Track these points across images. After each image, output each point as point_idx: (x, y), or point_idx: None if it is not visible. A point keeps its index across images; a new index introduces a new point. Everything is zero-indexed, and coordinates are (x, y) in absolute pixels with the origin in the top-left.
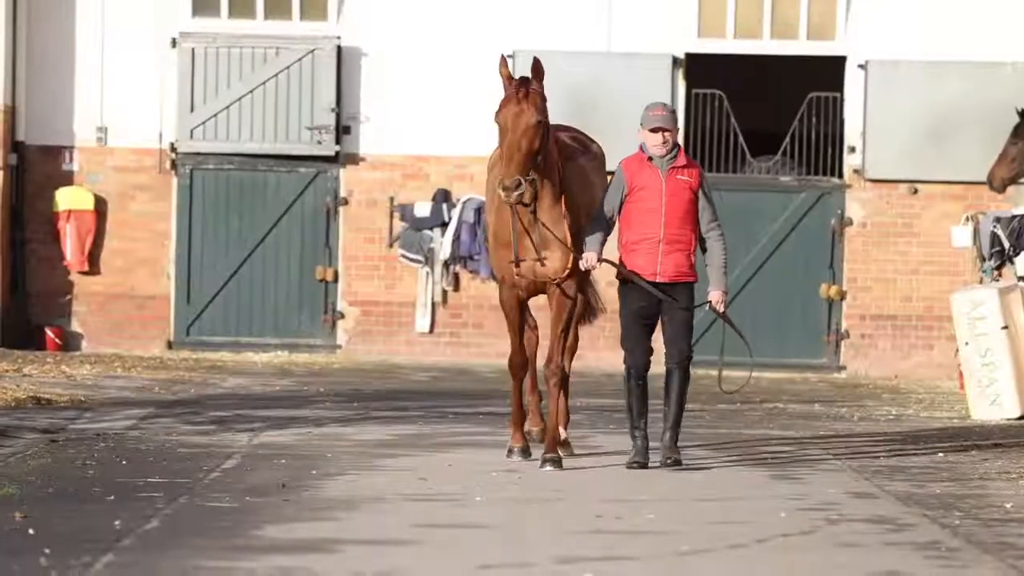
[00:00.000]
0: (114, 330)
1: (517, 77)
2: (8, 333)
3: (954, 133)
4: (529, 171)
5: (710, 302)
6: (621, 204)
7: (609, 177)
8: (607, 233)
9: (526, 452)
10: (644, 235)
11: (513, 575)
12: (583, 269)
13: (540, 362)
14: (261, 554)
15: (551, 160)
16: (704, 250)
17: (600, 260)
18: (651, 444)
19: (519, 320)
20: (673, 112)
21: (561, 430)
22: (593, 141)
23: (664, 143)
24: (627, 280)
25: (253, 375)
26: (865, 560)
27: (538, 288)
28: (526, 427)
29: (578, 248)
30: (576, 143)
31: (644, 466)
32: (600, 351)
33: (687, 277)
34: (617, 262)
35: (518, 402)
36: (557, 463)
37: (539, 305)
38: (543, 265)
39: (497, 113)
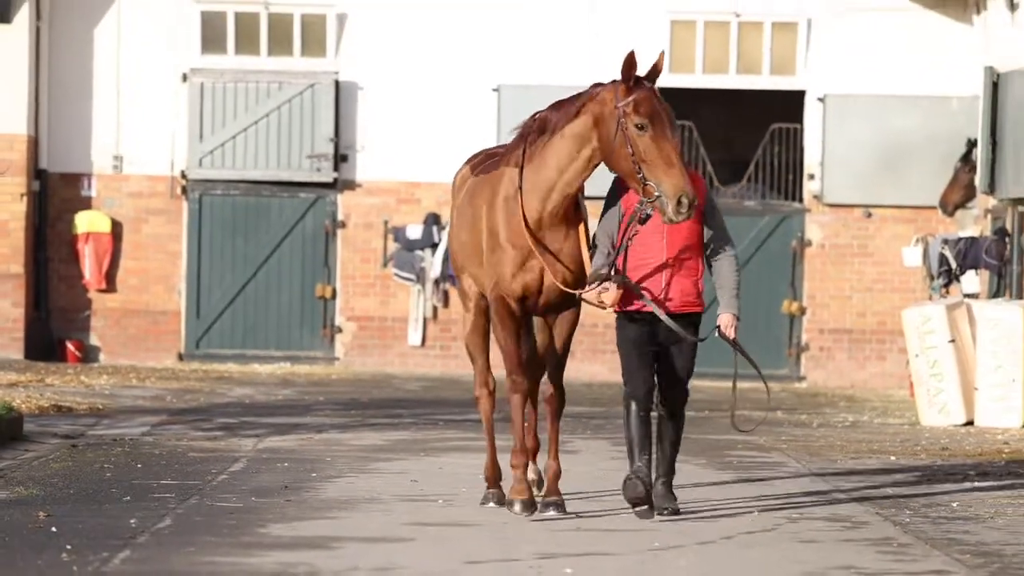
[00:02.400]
0: (129, 343)
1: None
2: (32, 346)
3: (904, 161)
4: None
5: (718, 327)
6: (619, 226)
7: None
8: (613, 259)
9: (532, 507)
10: (645, 260)
11: (497, 569)
12: (598, 300)
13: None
14: (265, 550)
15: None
16: (711, 269)
17: (621, 287)
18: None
19: (513, 332)
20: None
21: (532, 468)
22: None
23: None
24: (627, 304)
25: (258, 385)
26: (824, 556)
27: (536, 304)
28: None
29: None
30: None
31: (644, 499)
32: (578, 362)
33: (693, 307)
34: (632, 282)
35: (521, 428)
36: (560, 507)
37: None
38: (563, 279)
39: (645, 116)
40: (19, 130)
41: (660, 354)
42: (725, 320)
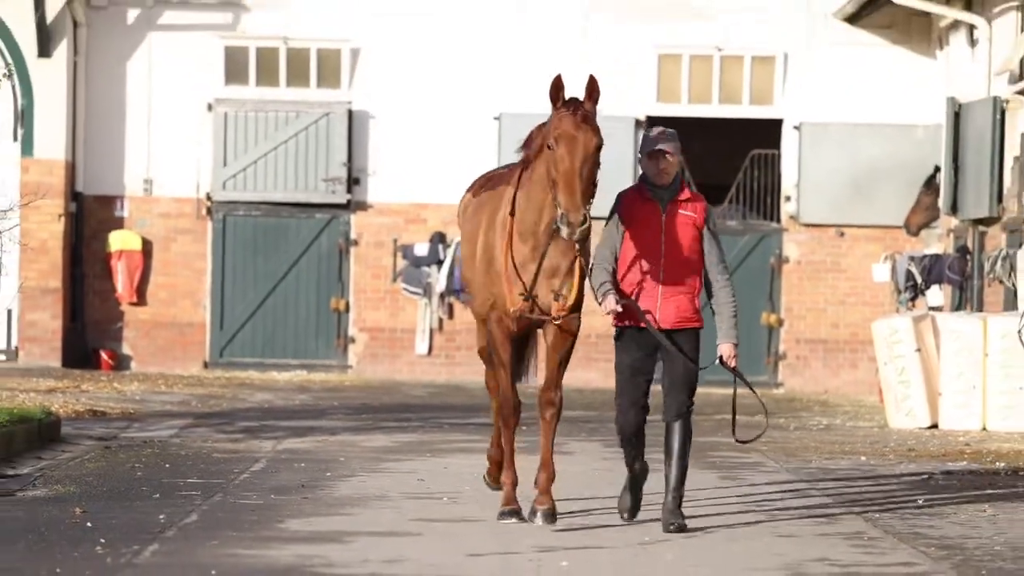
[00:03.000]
0: (158, 353)
1: (567, 98)
2: (69, 355)
3: (874, 185)
4: (589, 202)
5: (720, 357)
6: (620, 242)
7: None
8: (613, 274)
9: (520, 515)
10: (642, 276)
11: (498, 562)
12: (606, 313)
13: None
14: (284, 544)
15: None
16: (709, 295)
17: (618, 302)
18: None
19: (510, 354)
20: (675, 136)
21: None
22: None
23: (664, 171)
24: (624, 329)
25: (276, 391)
26: (800, 549)
27: (526, 324)
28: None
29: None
30: None
31: (632, 509)
32: (571, 369)
33: (691, 323)
34: (636, 305)
35: (511, 454)
36: (550, 516)
37: None
38: (557, 300)
39: (550, 137)
40: (58, 156)
41: (662, 372)
42: (726, 350)
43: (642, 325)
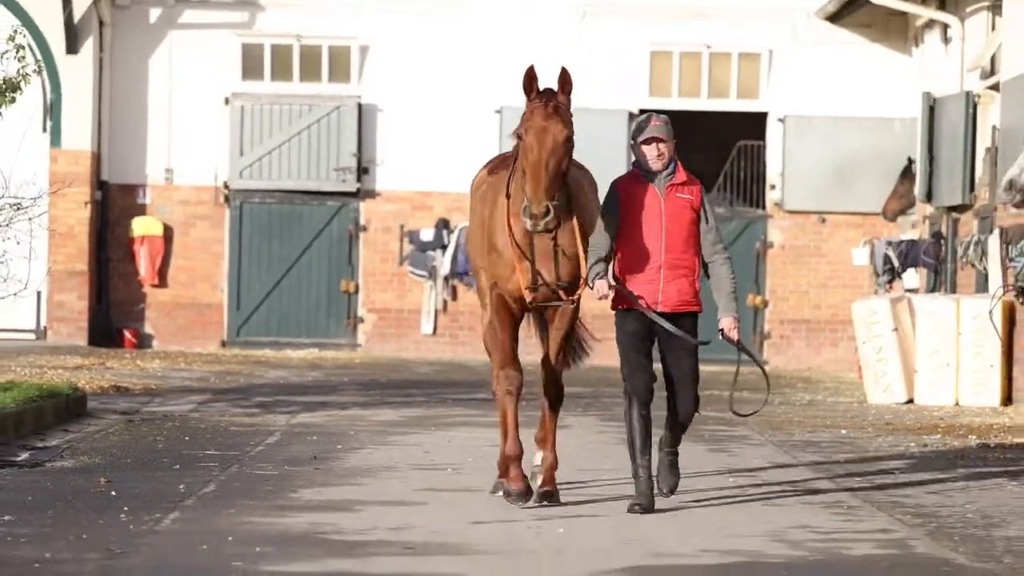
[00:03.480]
0: (178, 332)
1: (542, 88)
2: (94, 334)
3: (854, 174)
4: (555, 194)
5: (722, 330)
6: (616, 228)
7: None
8: (610, 259)
9: (528, 495)
10: (643, 260)
11: (499, 529)
12: (598, 298)
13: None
14: (297, 512)
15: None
16: (707, 275)
17: (612, 287)
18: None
19: (511, 323)
20: (668, 123)
21: (539, 456)
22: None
23: (659, 156)
24: (623, 305)
25: (290, 368)
26: (785, 516)
27: (527, 307)
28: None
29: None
30: None
31: (648, 509)
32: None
33: (691, 306)
34: (628, 290)
35: (515, 430)
36: (554, 497)
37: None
38: (556, 291)
39: (521, 127)
40: (84, 147)
41: (664, 359)
42: (727, 323)
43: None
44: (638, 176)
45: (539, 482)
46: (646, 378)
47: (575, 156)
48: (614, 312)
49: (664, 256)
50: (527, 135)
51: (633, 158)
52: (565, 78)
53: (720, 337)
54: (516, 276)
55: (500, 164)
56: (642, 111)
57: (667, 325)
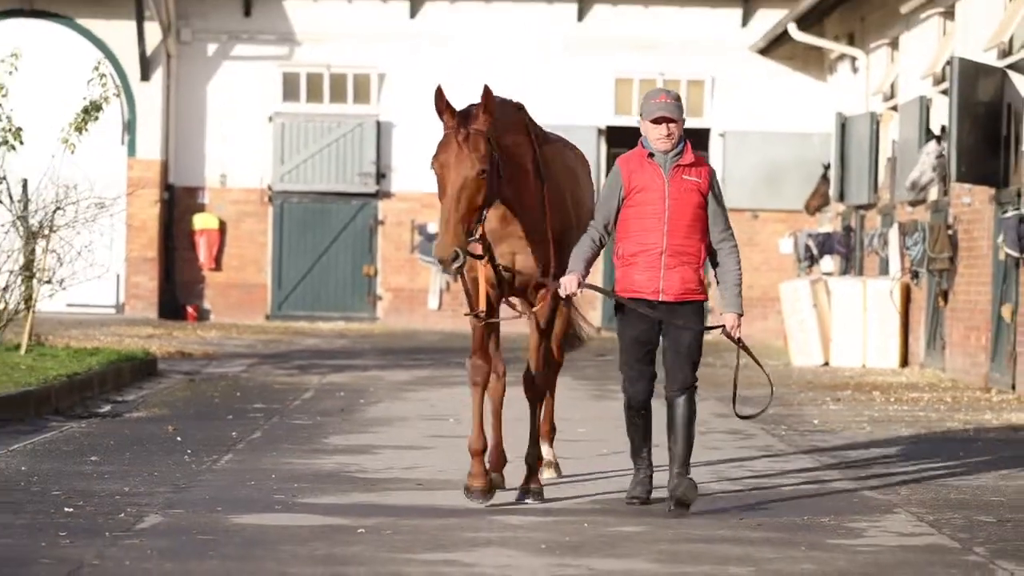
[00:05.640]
0: (231, 307)
1: (458, 112)
2: (163, 309)
3: (780, 179)
4: (472, 231)
5: (723, 327)
6: (618, 210)
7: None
8: (598, 248)
9: (489, 493)
10: (644, 246)
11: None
12: (563, 295)
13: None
14: (327, 455)
15: (520, 152)
16: (714, 264)
17: (581, 286)
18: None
19: (488, 308)
20: (679, 100)
21: (546, 449)
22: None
23: (668, 136)
24: (631, 291)
25: (322, 337)
26: (724, 458)
27: (513, 288)
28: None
29: (562, 260)
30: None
31: (645, 501)
32: None
33: (695, 295)
34: (603, 287)
35: (480, 423)
36: (539, 495)
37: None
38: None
39: (432, 159)
40: (155, 156)
41: (664, 344)
42: (730, 320)
43: (645, 296)
44: (643, 155)
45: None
46: (645, 385)
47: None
48: (615, 310)
49: (666, 242)
50: (436, 171)
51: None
52: (488, 98)
53: (721, 334)
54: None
55: None
56: (608, 127)
57: (662, 316)
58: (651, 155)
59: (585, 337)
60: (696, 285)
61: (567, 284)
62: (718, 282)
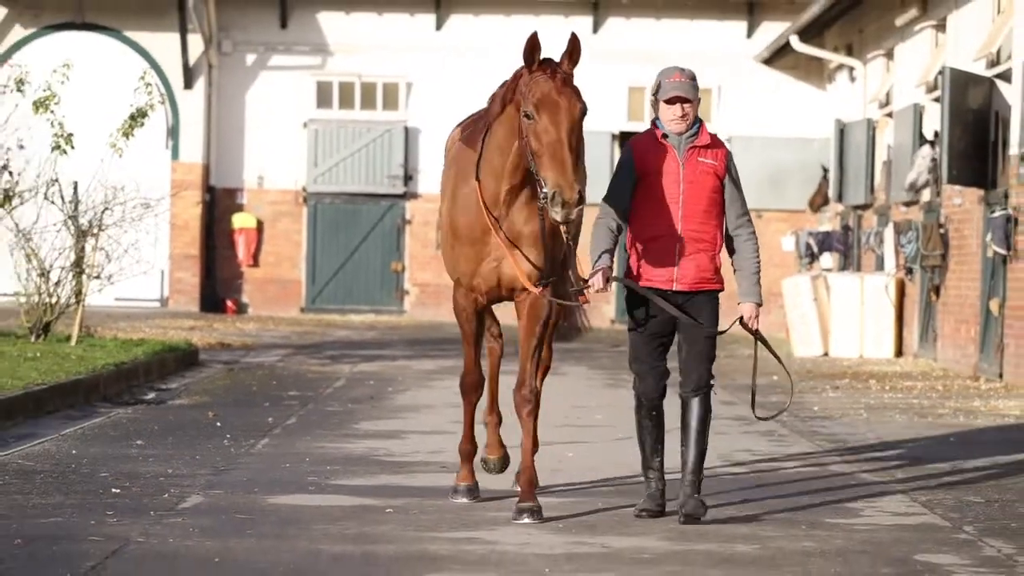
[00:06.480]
0: (268, 301)
1: (541, 58)
2: (205, 303)
3: (783, 181)
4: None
5: (741, 317)
6: (631, 194)
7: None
8: (616, 237)
9: (473, 492)
10: (657, 232)
11: (514, 453)
12: (594, 291)
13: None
14: (358, 439)
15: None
16: (731, 252)
17: (609, 280)
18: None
19: (476, 330)
20: (694, 79)
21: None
22: None
23: (683, 117)
24: (636, 293)
25: (353, 329)
26: (729, 442)
27: (501, 295)
28: (479, 455)
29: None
30: None
31: (657, 514)
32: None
33: (711, 284)
34: (629, 279)
35: (469, 430)
36: (536, 514)
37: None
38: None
39: (527, 104)
40: (197, 160)
41: (679, 339)
42: (748, 310)
43: (658, 285)
44: (656, 137)
45: (518, 499)
46: (657, 380)
47: None
48: (626, 295)
49: (682, 227)
50: (540, 114)
51: (653, 116)
52: (575, 46)
53: (739, 324)
54: (483, 270)
55: (472, 127)
56: (622, 132)
57: (680, 315)
58: (665, 136)
59: (582, 328)
60: (712, 274)
61: (595, 281)
62: (735, 270)
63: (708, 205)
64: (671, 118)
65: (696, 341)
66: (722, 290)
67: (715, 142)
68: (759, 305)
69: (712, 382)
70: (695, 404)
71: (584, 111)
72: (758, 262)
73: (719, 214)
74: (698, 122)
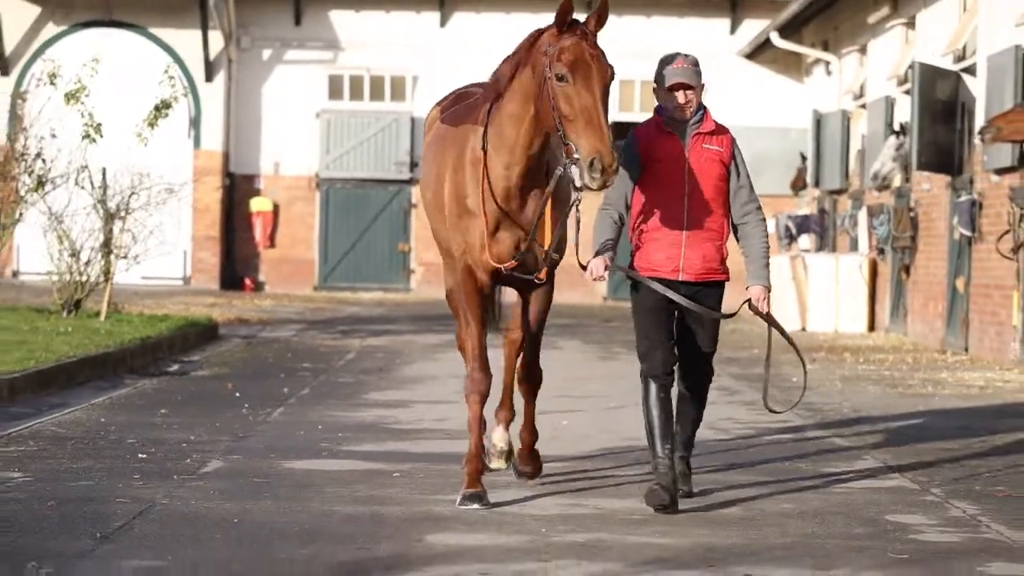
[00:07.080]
0: (283, 280)
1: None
2: (224, 281)
3: (763, 168)
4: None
5: (749, 300)
6: (635, 182)
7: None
8: (619, 227)
9: (483, 499)
10: (663, 221)
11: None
12: (591, 279)
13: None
14: (368, 408)
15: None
16: (738, 238)
17: (608, 268)
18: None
19: (480, 305)
20: (697, 65)
21: (501, 434)
22: None
23: (687, 103)
24: (639, 280)
25: (362, 306)
26: (713, 412)
27: (495, 279)
28: (490, 444)
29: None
30: None
31: (669, 506)
32: (555, 293)
33: (717, 274)
34: (631, 268)
35: (478, 448)
36: (533, 477)
37: None
38: (548, 256)
39: (560, 66)
40: (217, 148)
41: (680, 330)
42: (756, 292)
43: (664, 276)
44: (660, 124)
45: (516, 460)
46: (665, 355)
47: None
48: (630, 282)
49: (687, 216)
50: (574, 77)
51: (658, 104)
52: (604, 9)
53: (747, 308)
54: (493, 244)
55: (456, 102)
56: (616, 123)
57: (685, 302)
58: (668, 123)
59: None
60: (718, 264)
61: (594, 267)
62: (743, 255)
63: (714, 193)
64: (674, 106)
65: (700, 330)
66: (727, 280)
67: (720, 128)
68: (768, 288)
69: (711, 375)
70: (693, 400)
71: (614, 75)
72: (767, 246)
73: (725, 202)
74: (702, 108)
